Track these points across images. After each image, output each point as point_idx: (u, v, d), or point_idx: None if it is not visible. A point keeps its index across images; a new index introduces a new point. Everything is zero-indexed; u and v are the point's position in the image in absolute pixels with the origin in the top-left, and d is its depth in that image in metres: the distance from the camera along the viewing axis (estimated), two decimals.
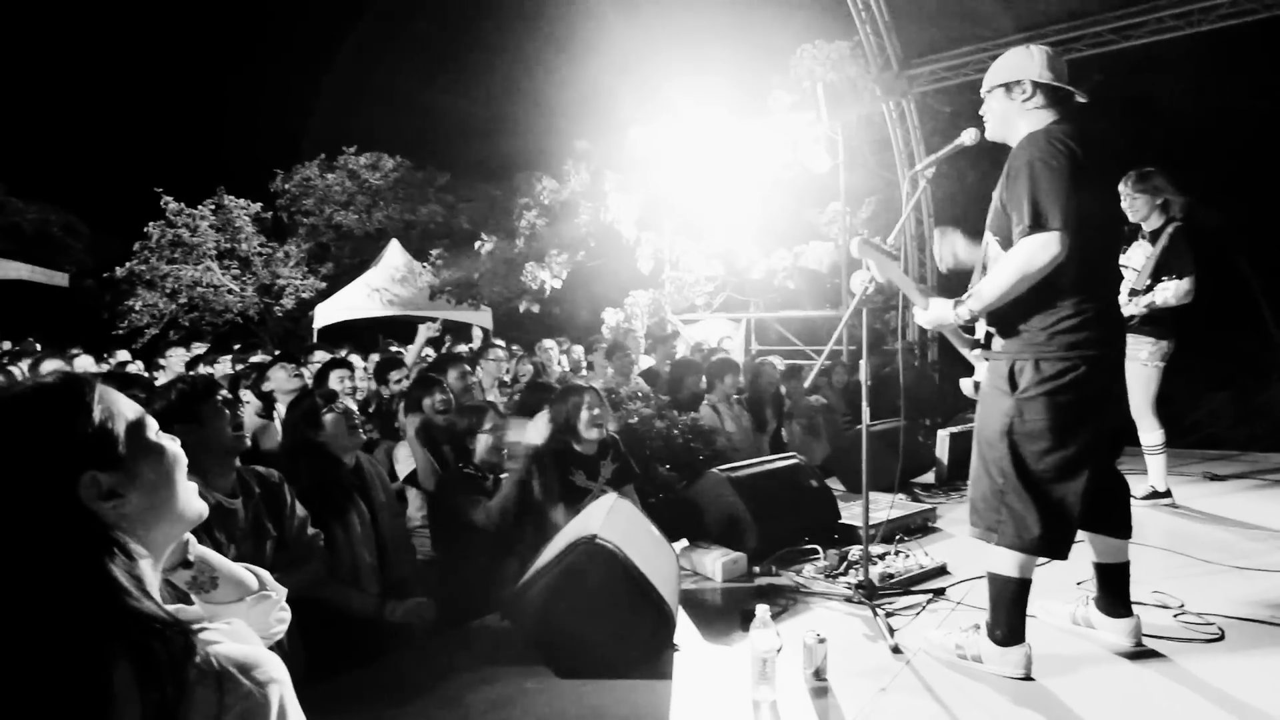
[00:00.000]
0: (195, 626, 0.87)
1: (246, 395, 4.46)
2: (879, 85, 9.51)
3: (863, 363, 3.29)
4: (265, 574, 1.19)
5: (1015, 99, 2.56)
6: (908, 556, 3.60)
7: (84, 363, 6.58)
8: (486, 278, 11.96)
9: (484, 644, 2.89)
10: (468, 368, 5.07)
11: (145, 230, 16.95)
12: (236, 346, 8.39)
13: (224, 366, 6.58)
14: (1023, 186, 2.36)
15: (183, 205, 17.08)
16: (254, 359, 6.94)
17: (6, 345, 10.36)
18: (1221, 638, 2.78)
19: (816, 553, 3.69)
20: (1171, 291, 4.30)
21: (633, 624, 2.66)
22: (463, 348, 8.57)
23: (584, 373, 7.26)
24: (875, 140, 10.85)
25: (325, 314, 14.01)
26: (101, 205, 19.14)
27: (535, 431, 3.41)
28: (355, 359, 6.36)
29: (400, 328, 12.68)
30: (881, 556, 3.56)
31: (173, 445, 1.03)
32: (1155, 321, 4.40)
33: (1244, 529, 4.20)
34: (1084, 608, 2.83)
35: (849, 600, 3.22)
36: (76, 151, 22.58)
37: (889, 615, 3.02)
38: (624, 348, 6.84)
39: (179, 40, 28.79)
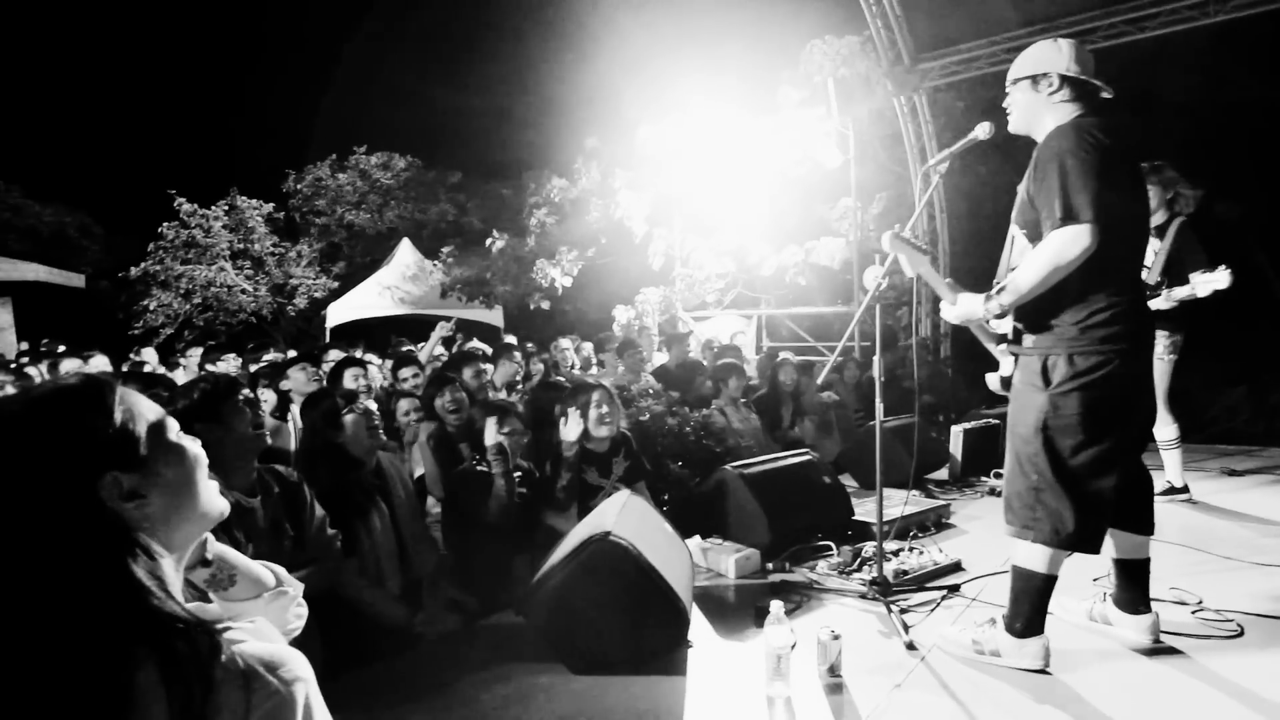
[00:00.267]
0: (220, 626, 0.88)
1: (265, 394, 4.49)
2: (890, 80, 9.45)
3: (876, 359, 3.28)
4: (282, 571, 1.20)
5: (1041, 92, 2.55)
6: (922, 553, 3.59)
7: (99, 363, 6.63)
8: (498, 275, 11.97)
9: (498, 640, 2.90)
10: (483, 365, 5.09)
11: (160, 231, 17.08)
12: (250, 346, 8.44)
13: (227, 365, 6.61)
14: (1053, 179, 2.35)
15: (196, 206, 17.19)
16: (267, 357, 6.98)
17: (24, 345, 10.49)
18: (1241, 634, 2.76)
19: (830, 549, 3.69)
20: (1215, 281, 4.19)
21: (647, 620, 2.67)
22: (475, 344, 8.58)
23: (595, 370, 7.26)
24: (886, 135, 10.78)
25: (337, 313, 14.08)
26: (116, 207, 19.32)
27: (570, 430, 3.46)
28: (372, 358, 6.39)
29: (412, 326, 12.72)
30: (896, 553, 3.55)
31: (194, 445, 1.03)
32: (1167, 315, 4.35)
33: (1262, 524, 4.16)
34: (1101, 604, 2.82)
35: (863, 597, 3.22)
36: (91, 154, 22.84)
37: (903, 612, 3.01)
38: (635, 345, 6.84)
39: (192, 43, 29.02)
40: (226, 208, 17.69)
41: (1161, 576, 2.78)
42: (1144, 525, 2.67)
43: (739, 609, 3.19)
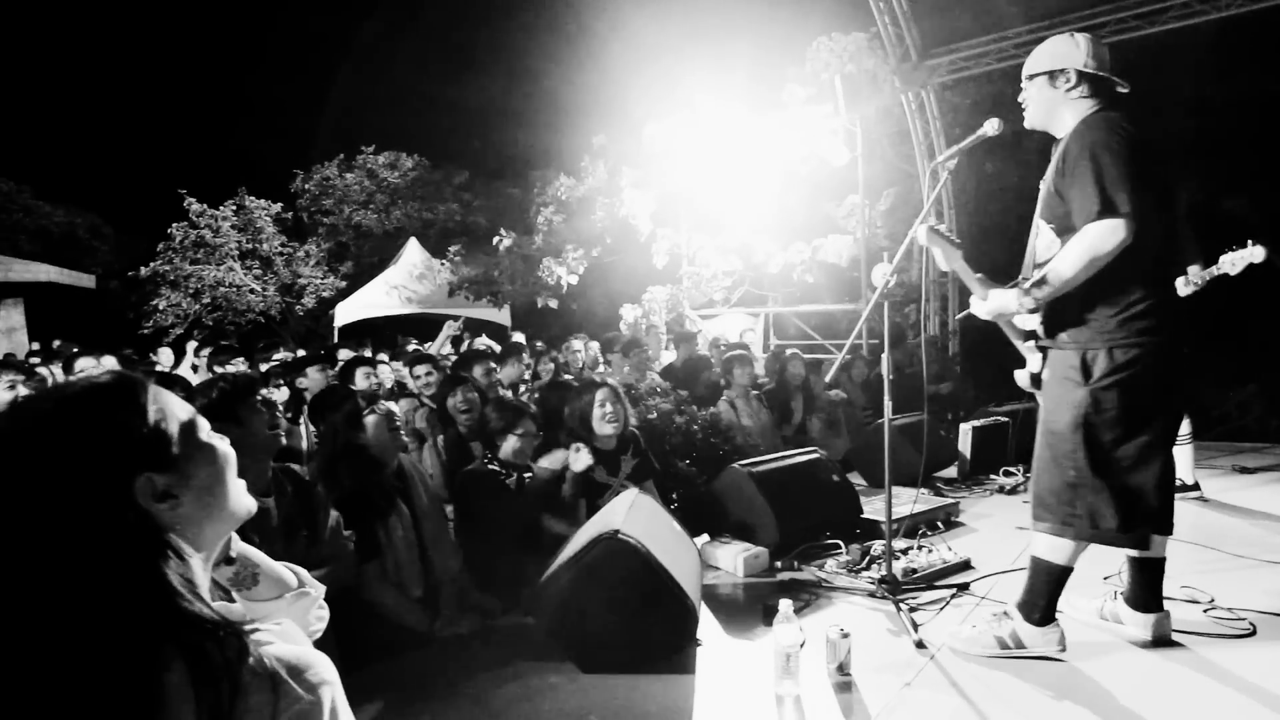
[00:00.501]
0: (248, 628, 0.87)
1: (274, 394, 4.51)
2: (898, 76, 9.42)
3: (884, 356, 3.27)
4: (304, 572, 1.19)
5: (1059, 88, 2.54)
6: (931, 551, 3.58)
7: (108, 365, 6.66)
8: (505, 274, 11.96)
9: (507, 639, 2.91)
10: (493, 364, 5.13)
11: (169, 231, 17.19)
12: (261, 345, 8.47)
13: (234, 369, 6.62)
14: (1086, 172, 2.34)
15: (205, 206, 17.30)
16: (276, 357, 7.00)
17: (35, 346, 10.56)
18: (1253, 633, 2.75)
19: (838, 547, 3.69)
20: (1249, 256, 4.09)
21: (655, 619, 2.67)
22: (483, 342, 8.60)
23: (601, 368, 7.27)
24: (894, 132, 10.73)
25: (345, 312, 14.12)
26: (126, 207, 19.48)
27: (578, 462, 3.43)
28: (383, 357, 6.40)
29: (419, 325, 12.75)
30: (904, 551, 3.55)
31: (223, 444, 1.02)
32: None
33: (1274, 522, 4.14)
34: (1112, 603, 2.81)
35: (872, 595, 3.21)
36: (101, 155, 23.00)
37: (912, 610, 3.01)
38: (639, 343, 6.84)
39: (200, 44, 29.13)
40: (235, 208, 17.79)
41: (1173, 575, 2.77)
42: (1164, 524, 2.66)
43: (747, 607, 3.20)
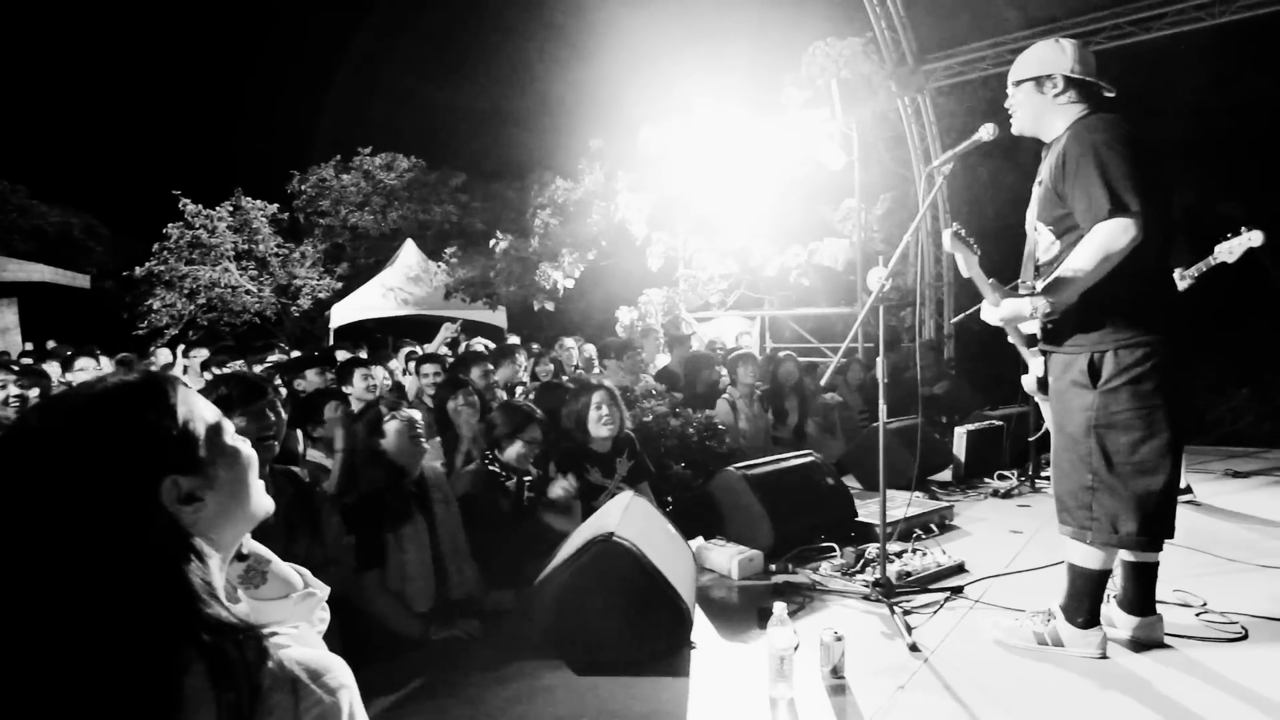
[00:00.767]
0: (266, 631, 0.87)
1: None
2: (894, 81, 9.45)
3: (879, 360, 3.28)
4: (308, 573, 1.19)
5: (1047, 93, 2.55)
6: (925, 554, 3.59)
7: (107, 364, 6.64)
8: (501, 276, 11.96)
9: (502, 641, 2.90)
10: (490, 366, 5.14)
11: (164, 231, 17.16)
12: (257, 345, 8.46)
13: (231, 369, 6.62)
14: (1091, 171, 2.34)
15: (201, 207, 17.27)
16: (271, 358, 7.00)
17: (28, 346, 10.52)
18: (1245, 636, 2.76)
19: (833, 550, 3.69)
20: (1247, 241, 4.05)
21: (650, 621, 2.67)
22: (480, 343, 8.59)
23: (596, 371, 7.27)
24: (890, 136, 10.78)
25: (341, 314, 14.12)
26: (122, 207, 19.42)
27: (555, 489, 3.49)
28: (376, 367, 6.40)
29: (416, 327, 12.74)
30: (899, 554, 3.55)
31: (246, 446, 1.02)
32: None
33: (1266, 526, 4.15)
34: (1105, 606, 2.81)
35: (866, 598, 3.22)
36: (97, 155, 22.95)
37: (906, 613, 3.01)
38: (634, 346, 6.85)
39: (197, 44, 29.10)
40: (231, 208, 17.76)
41: (1165, 578, 2.78)
42: (1171, 528, 2.66)
43: (742, 610, 3.20)
